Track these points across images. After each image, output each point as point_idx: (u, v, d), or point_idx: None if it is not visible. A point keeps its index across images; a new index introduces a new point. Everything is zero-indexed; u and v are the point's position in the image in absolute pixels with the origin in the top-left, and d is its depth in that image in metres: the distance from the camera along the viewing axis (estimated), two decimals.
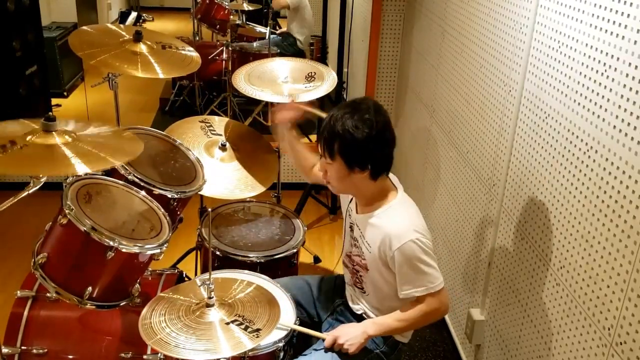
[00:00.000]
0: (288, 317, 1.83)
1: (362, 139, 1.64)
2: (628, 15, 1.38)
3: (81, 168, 1.49)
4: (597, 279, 1.49)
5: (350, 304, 1.94)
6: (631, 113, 1.37)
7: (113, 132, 1.79)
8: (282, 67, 2.68)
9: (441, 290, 1.69)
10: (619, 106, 1.41)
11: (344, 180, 1.72)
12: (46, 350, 1.83)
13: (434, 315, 1.73)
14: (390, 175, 1.82)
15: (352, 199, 1.92)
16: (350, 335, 1.72)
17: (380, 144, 1.68)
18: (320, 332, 1.89)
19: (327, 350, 1.76)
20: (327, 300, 2.02)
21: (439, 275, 1.68)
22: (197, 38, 5.25)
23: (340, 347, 1.72)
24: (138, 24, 5.88)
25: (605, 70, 1.47)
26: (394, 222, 1.71)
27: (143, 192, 1.94)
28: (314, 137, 4.37)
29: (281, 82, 2.60)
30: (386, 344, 1.84)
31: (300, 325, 1.82)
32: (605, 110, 1.47)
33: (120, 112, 2.42)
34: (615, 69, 1.43)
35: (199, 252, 2.60)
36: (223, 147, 2.52)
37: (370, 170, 1.69)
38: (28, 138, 1.54)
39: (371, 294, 1.85)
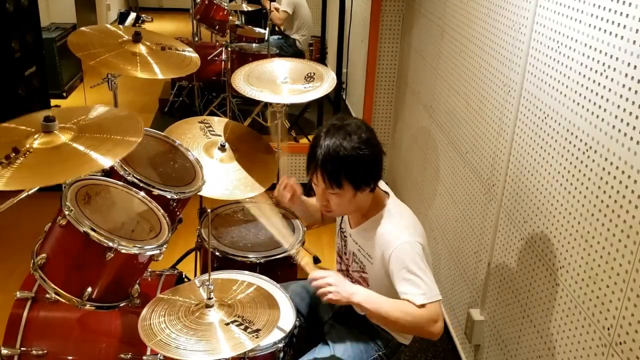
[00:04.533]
0: (288, 317, 1.83)
1: (368, 158, 1.63)
2: (627, 16, 1.39)
3: (103, 160, 1.43)
4: (597, 278, 1.49)
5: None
6: (630, 113, 1.37)
7: (108, 113, 1.73)
8: (281, 68, 2.68)
9: (438, 302, 1.60)
10: (618, 106, 1.41)
11: (349, 203, 1.69)
12: (46, 351, 1.83)
13: (429, 325, 1.59)
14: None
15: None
16: (341, 286, 1.60)
17: (380, 158, 1.69)
18: (323, 336, 1.88)
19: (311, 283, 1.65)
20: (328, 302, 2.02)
21: (435, 287, 1.61)
22: (196, 39, 5.25)
23: (320, 287, 1.59)
24: (137, 24, 5.89)
25: (605, 70, 1.47)
26: (389, 227, 1.70)
27: (142, 193, 1.94)
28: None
29: (280, 83, 2.60)
30: (388, 347, 1.84)
31: (298, 330, 1.80)
32: (605, 110, 1.47)
33: None
34: (615, 69, 1.43)
35: (198, 253, 2.60)
36: (222, 148, 2.52)
37: (372, 184, 1.69)
38: (29, 142, 1.51)
39: None
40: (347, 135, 1.62)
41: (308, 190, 3.64)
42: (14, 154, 1.39)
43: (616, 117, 1.42)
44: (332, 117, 1.80)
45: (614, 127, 1.43)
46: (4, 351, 1.80)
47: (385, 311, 1.60)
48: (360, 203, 1.72)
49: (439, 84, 2.88)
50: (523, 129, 1.94)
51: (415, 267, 1.61)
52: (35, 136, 1.55)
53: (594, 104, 1.52)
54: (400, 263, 1.63)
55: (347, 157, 1.61)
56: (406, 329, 1.68)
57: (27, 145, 1.49)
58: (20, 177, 1.36)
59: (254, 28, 5.23)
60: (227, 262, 2.23)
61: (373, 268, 1.75)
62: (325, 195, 1.69)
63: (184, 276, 2.18)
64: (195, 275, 2.63)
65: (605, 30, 1.48)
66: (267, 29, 4.65)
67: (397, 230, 1.68)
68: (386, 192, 1.81)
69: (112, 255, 1.64)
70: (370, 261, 1.75)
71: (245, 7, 4.91)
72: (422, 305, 1.60)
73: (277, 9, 5.14)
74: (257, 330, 1.53)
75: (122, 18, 6.67)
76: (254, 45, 4.99)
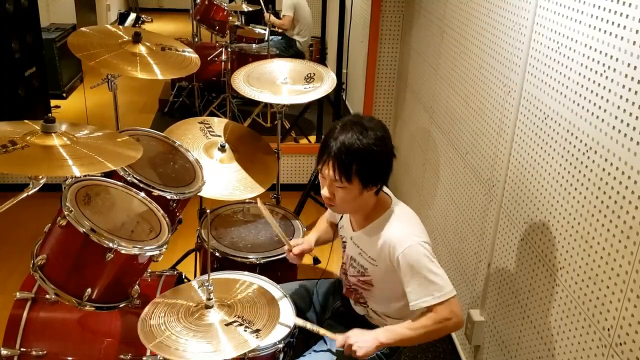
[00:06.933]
0: (288, 317, 1.82)
1: (381, 156, 1.64)
2: (627, 16, 1.39)
3: (76, 170, 1.50)
4: (597, 279, 1.49)
5: (352, 304, 1.94)
6: (630, 114, 1.37)
7: (112, 136, 1.80)
8: (281, 68, 2.68)
9: (451, 300, 1.62)
10: (618, 107, 1.41)
11: (354, 200, 1.68)
12: (45, 352, 1.83)
13: (446, 325, 1.63)
14: None
15: (342, 216, 1.91)
16: (361, 338, 1.65)
17: (391, 159, 1.69)
18: (322, 335, 1.88)
19: (338, 350, 1.72)
20: (327, 302, 2.02)
21: (446, 284, 1.63)
22: (196, 39, 5.25)
23: (349, 349, 1.66)
24: (137, 25, 5.88)
25: (605, 71, 1.47)
26: (395, 229, 1.70)
27: (142, 194, 1.94)
28: (313, 138, 4.37)
29: (280, 83, 2.60)
30: (387, 347, 1.83)
31: (298, 331, 1.81)
32: (605, 110, 1.47)
33: (120, 113, 2.42)
34: (614, 70, 1.43)
35: (198, 254, 2.60)
36: (222, 148, 2.52)
37: (379, 185, 1.69)
38: (28, 139, 1.55)
39: (374, 305, 1.85)
40: (363, 130, 1.62)
41: (309, 191, 3.63)
42: (10, 145, 1.51)
43: (616, 117, 1.42)
44: (340, 117, 1.79)
45: (613, 127, 1.43)
46: (4, 352, 1.80)
47: (408, 338, 1.68)
48: (364, 203, 1.72)
49: (439, 84, 2.88)
50: (523, 129, 1.94)
51: (425, 270, 1.63)
52: (35, 135, 1.58)
53: (594, 104, 1.52)
54: (410, 266, 1.64)
55: (362, 151, 1.61)
56: (430, 337, 1.72)
57: (27, 140, 1.56)
58: (7, 163, 1.48)
59: (254, 28, 5.23)
60: (227, 263, 2.23)
61: (377, 270, 1.74)
62: (332, 188, 1.68)
63: (183, 277, 2.18)
64: (195, 275, 2.63)
65: (605, 31, 1.48)
66: (267, 29, 4.65)
67: (404, 232, 1.68)
68: (388, 195, 1.81)
69: (112, 255, 1.64)
70: (374, 264, 1.75)
71: (245, 8, 4.92)
72: (433, 308, 1.63)
73: (275, 17, 5.15)
74: (257, 331, 1.53)
75: (122, 18, 6.67)
76: (254, 45, 4.99)
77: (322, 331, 1.76)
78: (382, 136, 1.64)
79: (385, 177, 1.70)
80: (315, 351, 1.81)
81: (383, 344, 1.67)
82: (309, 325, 1.78)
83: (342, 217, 1.91)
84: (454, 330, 1.69)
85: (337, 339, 1.69)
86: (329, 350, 1.79)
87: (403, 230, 1.69)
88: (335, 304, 2.00)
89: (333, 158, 1.63)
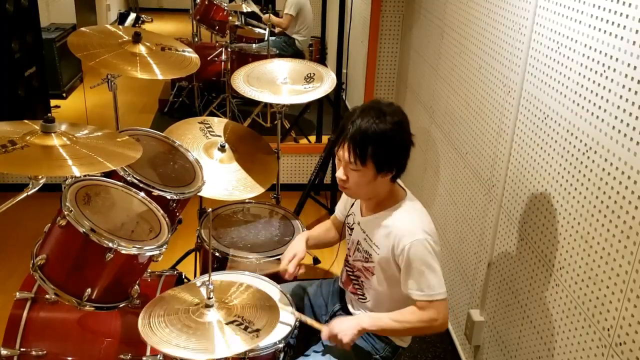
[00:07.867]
0: (288, 317, 1.82)
1: (397, 140, 1.65)
2: (627, 16, 1.39)
3: (75, 170, 1.51)
4: (597, 279, 1.49)
5: (350, 309, 1.93)
6: (630, 114, 1.37)
7: (112, 136, 1.80)
8: (281, 68, 2.68)
9: (442, 301, 1.65)
10: (618, 107, 1.41)
11: (367, 185, 1.69)
12: (45, 352, 1.83)
13: (430, 324, 1.67)
14: None
15: (354, 202, 1.91)
16: (344, 325, 1.68)
17: (408, 145, 1.70)
18: (320, 338, 1.88)
19: (325, 341, 1.73)
20: (326, 304, 2.01)
21: (442, 286, 1.65)
22: (196, 39, 5.25)
23: (334, 338, 1.67)
24: (137, 25, 5.88)
25: (605, 71, 1.47)
26: (405, 221, 1.70)
27: (142, 194, 1.94)
28: (313, 138, 4.37)
29: (280, 83, 2.60)
30: (387, 349, 1.83)
31: (298, 331, 1.81)
32: (604, 110, 1.47)
33: (119, 113, 2.42)
34: (614, 70, 1.43)
35: (198, 254, 2.60)
36: (222, 148, 2.52)
37: (394, 172, 1.69)
38: (27, 139, 1.55)
39: (372, 300, 1.85)
40: (381, 115, 1.64)
41: (309, 191, 3.63)
42: (10, 144, 1.51)
43: (616, 117, 1.42)
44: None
45: (613, 127, 1.43)
46: (4, 352, 1.80)
47: (391, 328, 1.71)
48: (378, 189, 1.72)
49: (439, 85, 2.88)
50: (523, 129, 1.94)
51: (424, 267, 1.64)
52: (34, 135, 1.58)
53: (594, 104, 1.52)
54: (412, 259, 1.64)
55: (378, 134, 1.62)
56: (412, 332, 1.77)
57: (26, 140, 1.55)
58: (6, 163, 1.48)
59: (254, 28, 5.23)
60: (226, 263, 2.23)
61: (379, 258, 1.75)
62: (347, 170, 1.69)
63: (183, 277, 2.18)
64: (195, 275, 2.63)
65: (605, 31, 1.48)
66: (267, 29, 4.65)
67: (413, 225, 1.68)
68: (404, 189, 1.82)
69: (112, 255, 1.64)
70: (377, 251, 1.75)
71: (245, 8, 4.91)
72: (423, 306, 1.65)
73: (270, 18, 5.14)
74: (257, 330, 1.53)
75: (122, 18, 6.67)
76: (253, 45, 4.99)
77: (308, 321, 1.78)
78: (399, 121, 1.65)
79: (401, 164, 1.70)
80: (315, 352, 1.80)
81: (365, 329, 1.69)
82: (302, 317, 1.79)
83: (352, 205, 1.91)
84: (437, 331, 1.71)
85: (323, 331, 1.71)
86: (329, 352, 1.79)
87: (412, 223, 1.69)
88: (334, 307, 1.99)
89: (349, 140, 1.64)
